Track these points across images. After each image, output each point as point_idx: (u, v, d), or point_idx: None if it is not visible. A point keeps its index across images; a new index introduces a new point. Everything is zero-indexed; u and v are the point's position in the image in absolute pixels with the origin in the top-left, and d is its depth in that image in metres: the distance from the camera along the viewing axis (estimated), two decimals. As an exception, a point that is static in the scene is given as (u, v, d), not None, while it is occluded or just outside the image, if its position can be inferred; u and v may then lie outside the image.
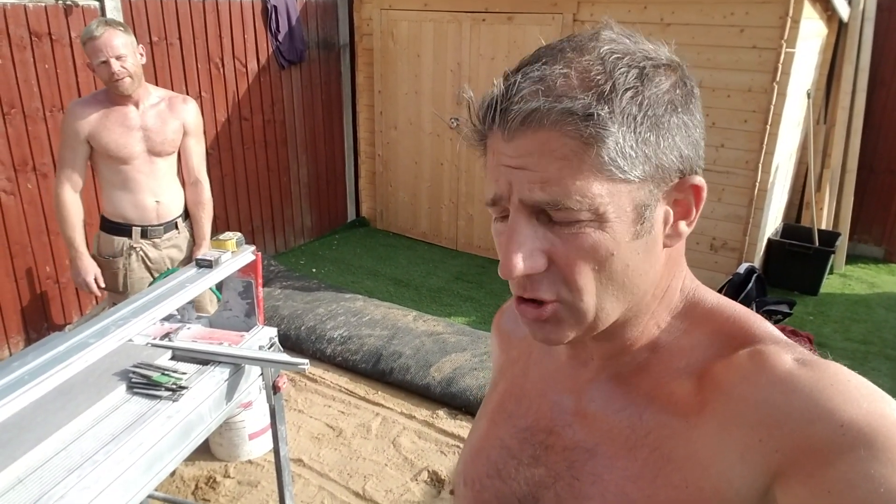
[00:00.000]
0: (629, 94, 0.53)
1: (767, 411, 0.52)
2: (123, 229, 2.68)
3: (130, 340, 1.89)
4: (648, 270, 0.59)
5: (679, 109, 0.56)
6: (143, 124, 2.62)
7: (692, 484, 0.55)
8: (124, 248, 2.69)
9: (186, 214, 2.86)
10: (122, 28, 2.50)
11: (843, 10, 4.61)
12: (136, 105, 2.62)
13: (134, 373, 1.81)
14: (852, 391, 0.51)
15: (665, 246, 0.60)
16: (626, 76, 0.53)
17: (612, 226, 0.55)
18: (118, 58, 2.46)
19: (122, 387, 1.77)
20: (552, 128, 0.52)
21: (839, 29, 4.91)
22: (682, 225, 0.59)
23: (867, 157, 5.13)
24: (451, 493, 0.77)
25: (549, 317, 0.59)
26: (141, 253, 2.72)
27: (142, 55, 2.58)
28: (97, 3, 3.54)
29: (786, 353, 0.55)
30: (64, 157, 2.56)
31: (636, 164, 0.54)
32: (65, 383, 1.54)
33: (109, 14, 3.54)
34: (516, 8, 4.42)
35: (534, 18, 4.36)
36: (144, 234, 2.71)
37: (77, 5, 3.47)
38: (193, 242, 2.89)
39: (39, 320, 3.64)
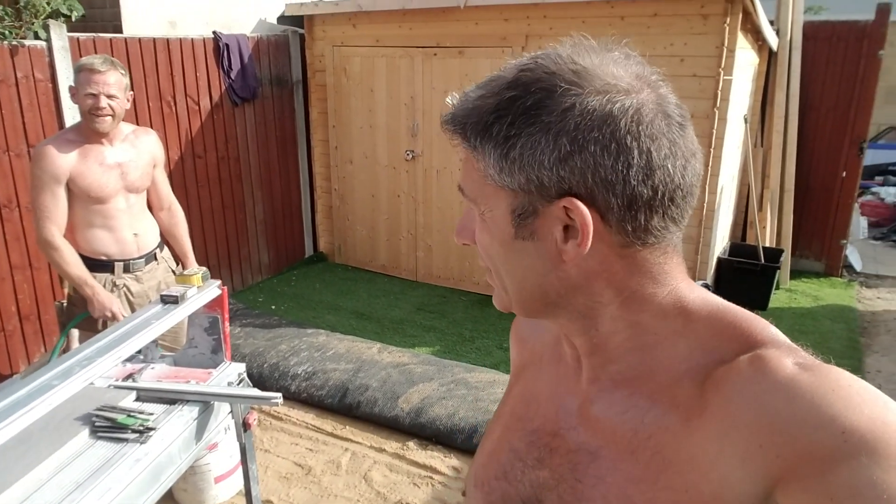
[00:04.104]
0: (508, 118, 0.58)
1: (768, 417, 0.52)
2: (105, 265, 2.61)
3: (91, 383, 1.82)
4: (546, 274, 0.62)
5: (571, 136, 0.56)
6: (118, 161, 2.59)
7: (692, 488, 0.55)
8: (107, 285, 2.62)
9: (161, 244, 2.84)
10: (122, 71, 2.51)
11: (773, 40, 4.90)
12: (111, 142, 2.58)
13: (97, 416, 1.74)
14: (854, 397, 0.51)
15: (563, 261, 0.61)
16: (517, 103, 0.58)
17: (491, 221, 0.64)
18: (109, 96, 2.45)
19: (85, 431, 1.70)
20: (455, 136, 0.64)
21: (769, 58, 5.21)
22: (571, 244, 0.60)
23: (803, 176, 5.41)
24: (463, 494, 0.79)
25: (492, 284, 0.69)
26: (124, 289, 2.66)
27: (128, 100, 2.57)
28: (44, 43, 3.47)
29: (787, 358, 0.56)
30: (45, 203, 2.45)
31: (512, 176, 0.60)
32: (23, 431, 1.47)
33: (57, 53, 3.48)
34: (467, 43, 4.54)
35: (484, 52, 4.48)
36: (127, 269, 2.66)
37: (23, 45, 3.40)
38: (173, 268, 2.88)
39: (-17, 371, 3.47)
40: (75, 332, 2.64)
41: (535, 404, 0.74)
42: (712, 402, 0.57)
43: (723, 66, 3.83)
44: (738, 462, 0.53)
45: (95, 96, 2.43)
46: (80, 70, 2.44)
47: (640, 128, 0.57)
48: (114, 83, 2.46)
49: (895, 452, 0.48)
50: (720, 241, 4.86)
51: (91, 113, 2.45)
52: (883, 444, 0.48)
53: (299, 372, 3.53)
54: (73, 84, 2.49)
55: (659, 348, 0.63)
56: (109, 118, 2.48)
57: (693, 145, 0.62)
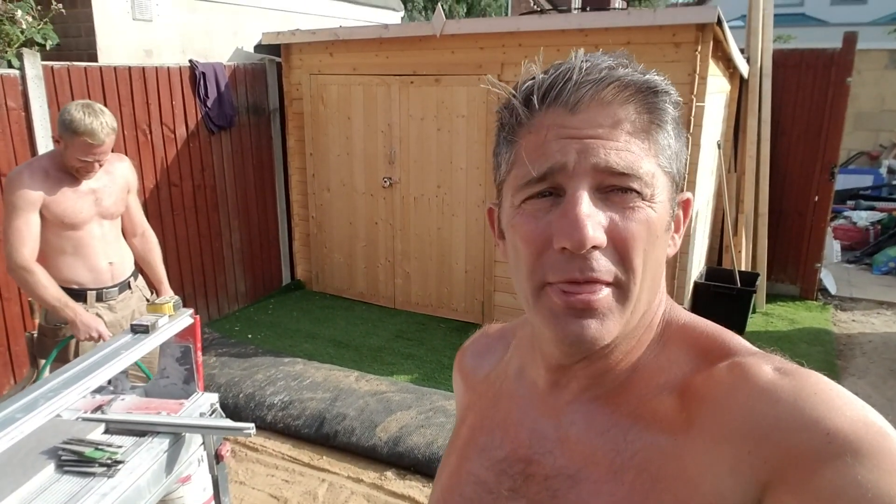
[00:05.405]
0: (677, 100, 0.58)
1: (754, 422, 0.52)
2: (78, 294, 2.55)
3: (58, 416, 1.77)
4: (662, 272, 0.62)
5: (683, 130, 0.61)
6: (92, 188, 2.56)
7: (683, 503, 0.54)
8: None
9: (135, 272, 2.80)
10: (115, 125, 2.45)
11: (744, 68, 5.02)
12: None
13: (63, 450, 1.69)
14: (835, 399, 0.51)
15: (669, 255, 0.63)
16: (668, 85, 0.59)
17: (658, 208, 0.58)
18: (100, 161, 2.44)
19: (51, 465, 1.65)
20: (625, 101, 0.56)
21: (741, 85, 5.33)
22: (676, 236, 0.63)
23: (776, 201, 5.50)
24: None
25: (600, 307, 0.56)
26: None
27: None
28: (18, 72, 3.44)
29: (765, 364, 0.56)
30: (19, 228, 2.39)
31: (672, 159, 0.59)
32: (-15, 466, 1.42)
33: (31, 81, 3.44)
34: (443, 71, 4.59)
35: (460, 80, 4.53)
36: (100, 298, 2.60)
37: (-5, 73, 3.36)
38: (147, 297, 2.82)
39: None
40: (40, 364, 2.57)
41: (499, 432, 0.70)
42: (697, 414, 0.56)
43: (695, 92, 3.91)
44: (727, 471, 0.53)
45: (90, 163, 2.42)
46: (76, 133, 2.34)
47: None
48: (109, 146, 2.44)
49: (878, 452, 0.48)
50: (697, 266, 4.90)
51: (80, 174, 2.46)
52: (866, 444, 0.48)
53: (276, 402, 3.46)
54: (59, 135, 2.40)
55: (640, 361, 0.62)
56: (95, 172, 2.49)
57: None
